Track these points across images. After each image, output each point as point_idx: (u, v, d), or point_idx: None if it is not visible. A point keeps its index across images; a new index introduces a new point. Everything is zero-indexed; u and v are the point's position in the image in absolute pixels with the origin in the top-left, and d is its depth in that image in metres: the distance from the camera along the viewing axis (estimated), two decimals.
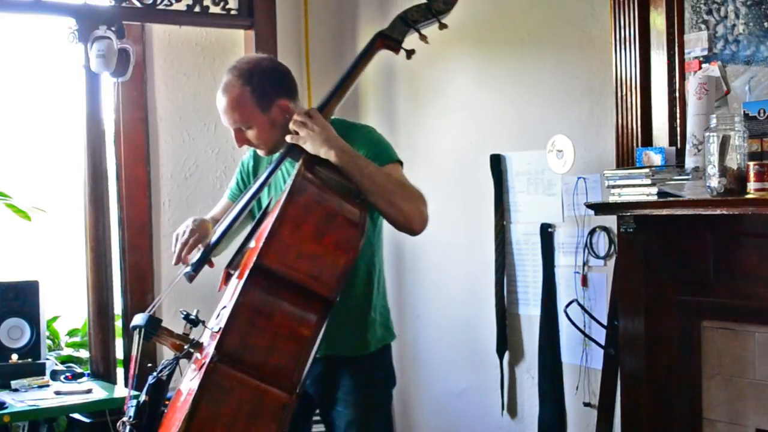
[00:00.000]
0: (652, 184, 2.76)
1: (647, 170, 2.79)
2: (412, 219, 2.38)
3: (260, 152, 2.61)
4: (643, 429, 3.07)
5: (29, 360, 3.63)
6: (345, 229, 2.28)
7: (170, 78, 4.18)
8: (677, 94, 2.97)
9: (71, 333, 4.25)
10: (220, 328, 2.16)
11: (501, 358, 3.74)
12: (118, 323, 4.04)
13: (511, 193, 3.70)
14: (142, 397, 2.32)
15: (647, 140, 3.03)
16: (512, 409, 3.75)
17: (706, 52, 2.89)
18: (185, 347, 2.32)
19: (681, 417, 3.01)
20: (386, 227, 2.56)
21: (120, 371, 3.98)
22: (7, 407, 3.22)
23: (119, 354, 3.99)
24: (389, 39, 2.49)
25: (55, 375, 3.68)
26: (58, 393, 3.45)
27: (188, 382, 2.26)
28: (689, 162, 2.80)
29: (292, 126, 2.42)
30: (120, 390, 3.64)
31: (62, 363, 3.96)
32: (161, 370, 2.35)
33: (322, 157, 2.36)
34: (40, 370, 3.61)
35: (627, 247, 3.10)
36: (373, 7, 4.35)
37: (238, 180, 2.80)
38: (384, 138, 2.59)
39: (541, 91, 3.56)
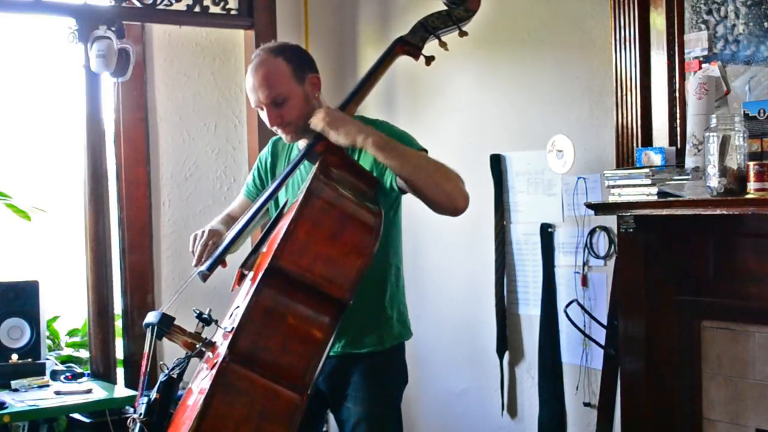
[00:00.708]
0: (652, 184, 2.76)
1: (647, 170, 2.79)
2: (456, 198, 2.34)
3: (287, 137, 2.54)
4: (643, 429, 3.07)
5: (29, 360, 3.63)
6: (360, 232, 2.27)
7: (170, 78, 4.18)
8: (677, 94, 2.97)
9: (71, 333, 4.25)
10: (233, 328, 2.16)
11: (501, 358, 3.74)
12: (118, 323, 4.04)
13: (511, 193, 3.70)
14: (153, 395, 2.32)
15: (647, 140, 3.03)
16: (512, 409, 3.75)
17: (706, 52, 2.89)
18: (197, 346, 2.32)
19: (681, 417, 3.01)
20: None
21: (120, 371, 3.99)
22: (7, 407, 3.22)
23: (119, 354, 3.99)
24: (409, 45, 2.49)
25: (55, 375, 3.68)
26: (58, 393, 3.46)
27: (200, 381, 2.26)
28: (689, 162, 2.80)
29: (322, 118, 2.39)
30: (120, 390, 3.64)
31: (62, 363, 3.96)
32: (173, 369, 2.36)
33: (335, 157, 2.34)
34: (40, 370, 3.61)
35: (627, 247, 3.10)
36: (373, 7, 4.35)
37: (255, 176, 2.79)
38: (401, 129, 2.57)
39: (541, 91, 3.56)
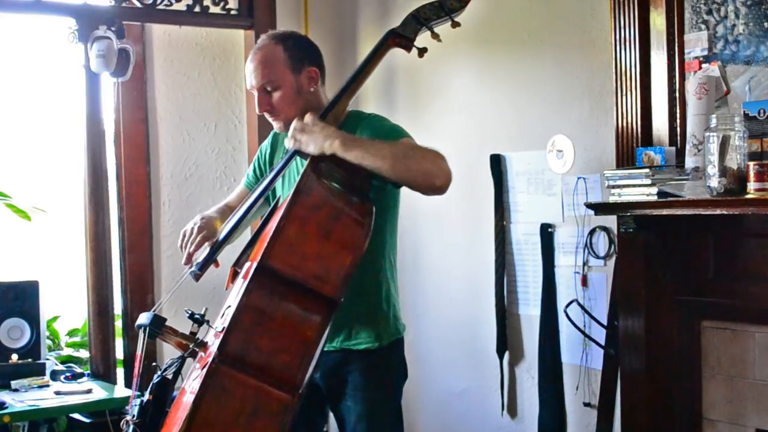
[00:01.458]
0: (652, 184, 2.76)
1: (647, 170, 2.79)
2: (433, 176, 2.32)
3: (277, 125, 2.56)
4: (643, 429, 3.07)
5: (29, 360, 3.63)
6: (350, 229, 2.27)
7: (170, 78, 4.18)
8: (677, 94, 2.97)
9: (71, 333, 4.25)
10: (223, 328, 2.16)
11: (501, 358, 3.74)
12: (118, 323, 4.04)
13: (511, 193, 3.70)
14: (146, 396, 2.32)
15: (647, 140, 3.03)
16: (512, 409, 3.75)
17: (706, 52, 2.89)
18: (190, 346, 2.32)
19: (681, 417, 3.01)
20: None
21: (120, 371, 3.99)
22: (7, 407, 3.22)
23: (119, 354, 3.99)
24: (401, 37, 2.47)
25: (55, 375, 3.68)
26: (58, 393, 3.46)
27: (191, 381, 2.26)
28: (689, 162, 2.80)
29: (291, 135, 2.41)
30: (120, 390, 3.64)
31: (62, 363, 3.96)
32: (165, 369, 2.36)
33: (328, 155, 2.35)
34: (40, 370, 3.61)
35: (627, 247, 3.10)
36: (373, 7, 4.35)
37: (255, 167, 2.79)
38: (391, 121, 2.57)
39: (541, 91, 3.56)
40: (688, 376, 2.99)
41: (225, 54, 4.28)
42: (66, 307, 4.21)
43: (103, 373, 3.80)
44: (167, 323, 2.36)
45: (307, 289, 2.20)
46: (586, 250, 3.39)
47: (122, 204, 4.08)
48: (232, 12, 4.15)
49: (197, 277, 2.50)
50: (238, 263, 2.47)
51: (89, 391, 3.50)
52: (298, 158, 2.50)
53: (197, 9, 4.06)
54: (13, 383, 3.50)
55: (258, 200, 2.54)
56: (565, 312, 3.40)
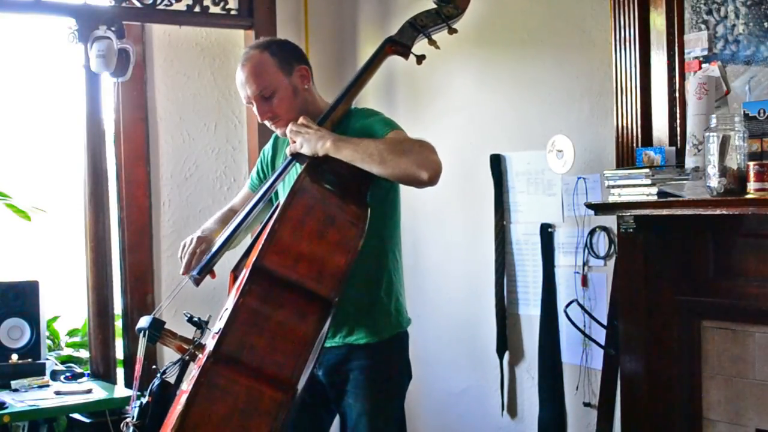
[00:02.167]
0: (652, 184, 2.76)
1: (647, 170, 2.79)
2: (421, 169, 2.31)
3: (280, 131, 2.58)
4: (643, 429, 3.07)
5: (29, 360, 3.63)
6: (345, 230, 2.28)
7: (170, 78, 4.18)
8: (677, 94, 2.97)
9: (71, 333, 4.25)
10: (220, 329, 2.17)
11: (501, 358, 3.74)
12: (118, 323, 4.04)
13: (511, 193, 3.70)
14: (145, 399, 2.32)
15: (647, 140, 3.03)
16: (512, 409, 3.75)
17: (706, 52, 2.89)
18: (188, 349, 2.33)
19: (681, 417, 3.01)
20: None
21: (120, 371, 3.99)
22: (7, 407, 3.22)
23: (119, 354, 3.99)
24: (398, 45, 2.49)
25: (55, 375, 3.68)
26: (58, 393, 3.46)
27: (188, 382, 2.27)
28: (689, 162, 2.80)
29: (288, 136, 2.44)
30: (120, 390, 3.64)
31: (62, 363, 3.96)
32: (164, 372, 2.36)
33: (321, 158, 2.37)
34: (40, 370, 3.62)
35: (627, 247, 3.10)
36: (373, 7, 4.35)
37: (258, 169, 2.82)
38: (381, 113, 2.58)
39: (541, 91, 3.56)
40: (688, 376, 2.99)
41: (225, 54, 4.28)
42: (66, 307, 4.21)
43: (103, 373, 3.80)
44: (166, 327, 2.37)
45: (302, 289, 2.21)
46: (586, 250, 3.39)
47: (122, 204, 4.08)
48: (232, 12, 4.15)
49: (197, 281, 2.52)
50: (238, 268, 2.48)
51: (89, 391, 3.50)
52: (297, 165, 2.51)
53: (197, 9, 4.06)
54: (13, 383, 3.50)
55: (257, 205, 2.56)
56: (565, 312, 3.40)
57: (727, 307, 2.87)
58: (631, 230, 2.95)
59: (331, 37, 4.48)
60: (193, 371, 2.35)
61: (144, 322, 2.36)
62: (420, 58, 2.49)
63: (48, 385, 3.55)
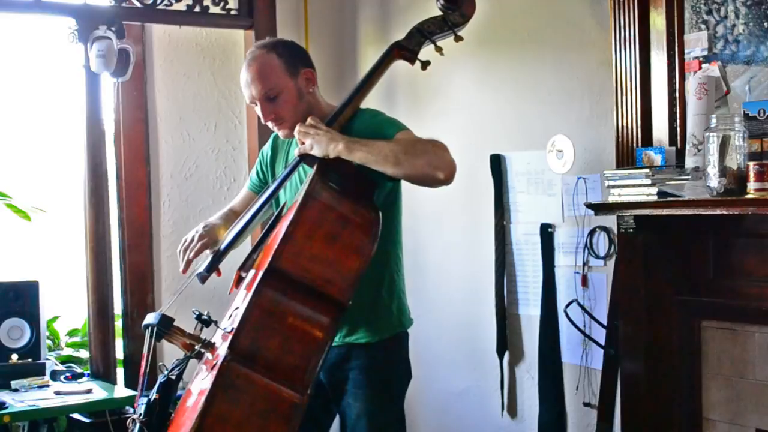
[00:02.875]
0: (652, 184, 2.76)
1: (647, 170, 2.79)
2: (437, 169, 2.33)
3: (282, 132, 2.58)
4: (643, 429, 3.07)
5: (29, 360, 3.63)
6: (358, 234, 2.29)
7: (170, 78, 4.19)
8: (677, 94, 2.97)
9: (71, 333, 4.25)
10: (233, 329, 2.17)
11: (501, 358, 3.74)
12: (118, 323, 4.04)
13: (511, 193, 3.70)
14: (153, 396, 2.32)
15: (647, 140, 3.03)
16: (512, 409, 3.75)
17: (706, 52, 2.89)
18: (196, 347, 2.33)
19: (681, 417, 3.01)
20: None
21: (120, 371, 3.99)
22: (7, 407, 3.22)
23: (119, 354, 3.99)
24: (405, 50, 2.51)
25: (55, 375, 3.68)
26: (58, 393, 3.46)
27: (200, 382, 2.27)
28: (689, 162, 2.80)
29: (297, 137, 2.44)
30: (120, 390, 3.64)
31: (62, 363, 3.96)
32: (172, 369, 2.36)
33: (332, 160, 2.37)
34: (40, 370, 3.62)
35: (627, 247, 3.10)
36: (373, 7, 4.35)
37: (257, 170, 2.81)
38: (385, 114, 2.59)
39: (541, 91, 3.56)
40: (688, 376, 2.99)
41: (225, 54, 4.28)
42: (66, 307, 4.21)
43: (103, 373, 3.80)
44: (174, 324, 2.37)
45: (316, 291, 2.22)
46: (586, 250, 3.39)
47: (122, 204, 4.08)
48: (232, 12, 4.15)
49: (204, 279, 2.52)
50: (244, 267, 2.48)
51: (89, 391, 3.50)
52: (303, 165, 2.51)
53: (197, 9, 4.06)
54: (13, 383, 3.50)
55: (264, 206, 2.56)
56: (565, 312, 3.40)
57: (727, 307, 2.87)
58: (631, 230, 2.95)
59: (331, 37, 4.48)
60: (200, 371, 2.35)
61: (152, 318, 2.35)
62: (425, 64, 2.51)
63: (48, 385, 3.55)
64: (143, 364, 2.41)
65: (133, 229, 4.10)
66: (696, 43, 2.91)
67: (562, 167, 3.47)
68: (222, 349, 2.18)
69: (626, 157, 3.06)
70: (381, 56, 2.52)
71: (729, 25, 2.84)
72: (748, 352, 2.83)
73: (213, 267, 2.51)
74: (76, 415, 3.51)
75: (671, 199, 2.72)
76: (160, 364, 2.41)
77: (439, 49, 2.52)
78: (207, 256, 2.56)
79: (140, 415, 2.31)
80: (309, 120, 2.44)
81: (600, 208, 3.02)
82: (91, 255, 3.80)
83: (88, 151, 3.80)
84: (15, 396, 3.39)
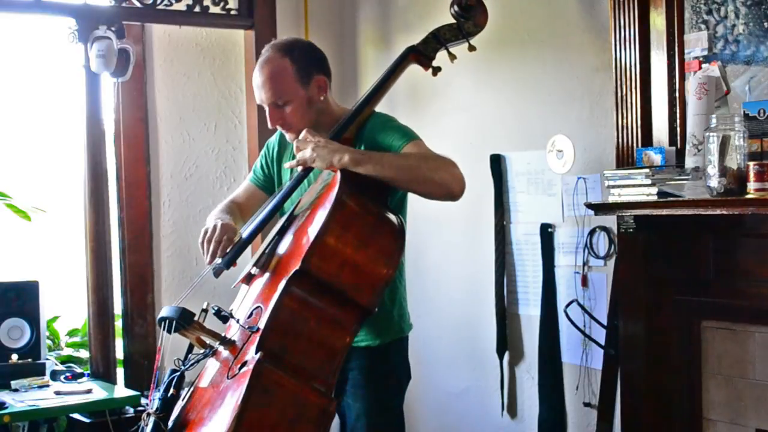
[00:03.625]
0: (652, 184, 2.76)
1: (647, 170, 2.79)
2: (447, 185, 2.34)
3: (290, 137, 2.56)
4: (643, 429, 3.07)
5: (29, 360, 3.63)
6: (388, 241, 2.29)
7: (170, 78, 4.18)
8: (677, 94, 2.97)
9: (71, 333, 4.25)
10: (258, 328, 2.17)
11: (501, 358, 3.74)
12: (118, 323, 4.04)
13: (511, 193, 3.70)
14: (171, 391, 2.31)
15: (647, 140, 3.03)
16: (512, 409, 3.75)
17: (706, 52, 2.89)
18: (216, 344, 2.32)
19: (681, 417, 3.01)
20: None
21: (120, 371, 3.98)
22: (7, 407, 3.22)
23: (119, 354, 3.99)
24: (421, 55, 2.52)
25: (55, 375, 3.67)
26: (58, 393, 3.45)
27: (224, 380, 2.23)
28: (689, 162, 2.80)
29: (294, 149, 2.43)
30: (120, 390, 3.64)
31: (62, 363, 3.95)
32: (191, 365, 2.35)
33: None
34: (40, 370, 3.61)
35: (627, 247, 3.10)
36: (373, 7, 4.35)
37: (262, 163, 2.79)
38: (397, 121, 2.57)
39: (541, 91, 3.56)
40: (688, 376, 2.99)
41: (225, 54, 4.28)
42: (66, 307, 4.20)
43: (103, 373, 3.80)
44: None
45: (343, 296, 2.22)
46: (586, 250, 3.39)
47: (122, 204, 4.08)
48: (232, 12, 4.15)
49: (218, 273, 2.49)
50: (257, 264, 2.46)
51: (89, 391, 3.50)
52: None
53: (197, 9, 4.06)
54: (13, 383, 3.49)
55: (277, 208, 2.55)
56: (565, 312, 3.40)
57: (727, 307, 2.87)
58: (631, 230, 2.95)
59: (331, 37, 4.48)
60: (211, 367, 2.34)
61: (170, 312, 2.33)
62: (436, 70, 2.53)
63: (48, 385, 3.55)
64: (158, 357, 2.40)
65: (133, 229, 4.10)
66: (696, 43, 2.92)
67: (562, 167, 3.47)
68: (250, 350, 2.16)
69: (626, 157, 3.06)
70: (396, 60, 2.52)
71: (729, 25, 2.84)
72: (748, 352, 2.83)
73: (231, 261, 2.49)
74: (76, 415, 3.51)
75: (671, 199, 2.72)
76: (176, 358, 2.39)
77: (452, 56, 2.54)
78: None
79: (156, 409, 2.30)
80: (303, 133, 2.42)
81: (600, 208, 3.02)
82: (91, 255, 3.80)
83: (88, 151, 3.80)
84: (15, 396, 3.38)
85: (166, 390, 2.32)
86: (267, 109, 2.52)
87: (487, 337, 3.78)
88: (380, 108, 2.61)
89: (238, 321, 2.32)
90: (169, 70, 4.18)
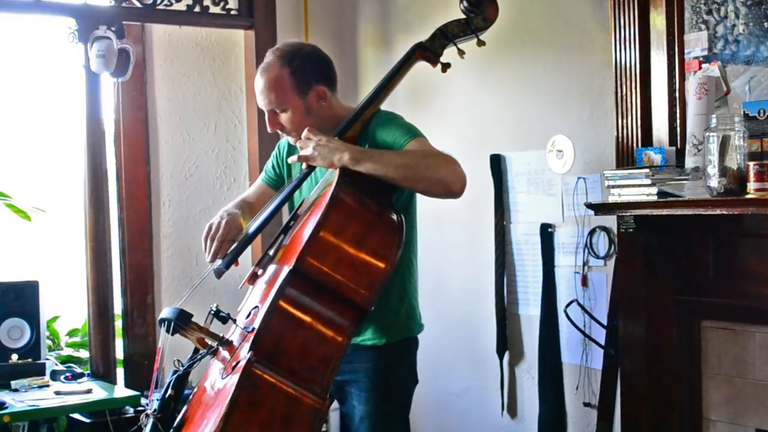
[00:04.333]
0: (652, 184, 2.76)
1: (647, 170, 2.79)
2: (448, 183, 2.32)
3: (291, 139, 2.57)
4: (643, 429, 3.07)
5: (29, 360, 3.63)
6: (384, 239, 2.28)
7: (170, 78, 4.18)
8: (677, 94, 2.97)
9: (71, 333, 4.25)
10: (253, 329, 2.16)
11: (501, 358, 3.74)
12: (118, 323, 4.04)
13: (511, 193, 3.70)
14: (169, 391, 2.31)
15: (647, 140, 3.03)
16: (512, 409, 3.75)
17: (706, 52, 2.89)
18: (215, 344, 2.32)
19: (681, 417, 3.01)
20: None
21: (120, 371, 3.98)
22: (7, 407, 3.21)
23: (119, 354, 3.99)
24: (429, 51, 2.51)
25: (55, 375, 3.67)
26: (58, 393, 3.45)
27: (217, 380, 2.24)
28: (689, 162, 2.80)
29: (299, 147, 2.43)
30: (120, 390, 3.64)
31: (62, 363, 3.95)
32: (191, 365, 2.35)
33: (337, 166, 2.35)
34: (40, 370, 3.61)
35: (627, 247, 3.10)
36: (373, 7, 4.35)
37: (273, 163, 2.79)
38: (401, 119, 2.56)
39: (541, 91, 3.56)
40: (688, 376, 2.99)
41: (225, 54, 4.28)
42: (66, 307, 4.20)
43: (103, 373, 3.80)
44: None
45: (339, 295, 2.22)
46: (586, 250, 3.39)
47: (122, 204, 4.08)
48: (232, 12, 4.15)
49: (220, 273, 2.49)
50: (260, 263, 2.46)
51: (89, 391, 3.50)
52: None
53: (197, 9, 4.06)
54: (13, 383, 3.49)
55: (280, 207, 2.55)
56: (565, 312, 3.40)
57: (727, 307, 2.87)
58: (631, 230, 2.95)
59: (331, 37, 4.47)
60: (213, 368, 2.34)
61: (168, 313, 2.33)
62: (445, 66, 2.52)
63: (48, 385, 3.55)
64: (157, 358, 2.40)
65: (133, 229, 4.10)
66: (696, 43, 2.92)
67: (562, 167, 3.47)
68: (243, 350, 2.16)
69: (626, 157, 3.06)
70: (403, 57, 2.52)
71: (729, 25, 2.84)
72: (748, 352, 2.83)
73: (231, 262, 2.48)
74: (76, 415, 3.51)
75: (671, 199, 2.73)
76: (175, 359, 2.39)
77: (461, 52, 2.52)
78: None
79: (155, 410, 2.30)
80: (305, 132, 2.42)
81: (600, 208, 3.02)
82: (91, 255, 3.80)
83: (88, 151, 3.80)
84: (15, 396, 3.38)
85: (166, 391, 2.32)
86: (266, 113, 2.54)
87: (487, 337, 3.78)
88: (382, 107, 2.61)
89: (234, 321, 2.32)
90: (169, 70, 4.18)
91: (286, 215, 2.65)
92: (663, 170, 2.80)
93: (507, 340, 3.73)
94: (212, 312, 2.33)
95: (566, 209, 3.47)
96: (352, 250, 2.24)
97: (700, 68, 2.89)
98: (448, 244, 4.00)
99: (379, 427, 2.53)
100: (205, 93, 4.25)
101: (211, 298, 2.57)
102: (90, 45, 3.72)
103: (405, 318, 2.59)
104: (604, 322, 3.29)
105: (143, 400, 3.52)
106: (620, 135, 3.10)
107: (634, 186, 2.82)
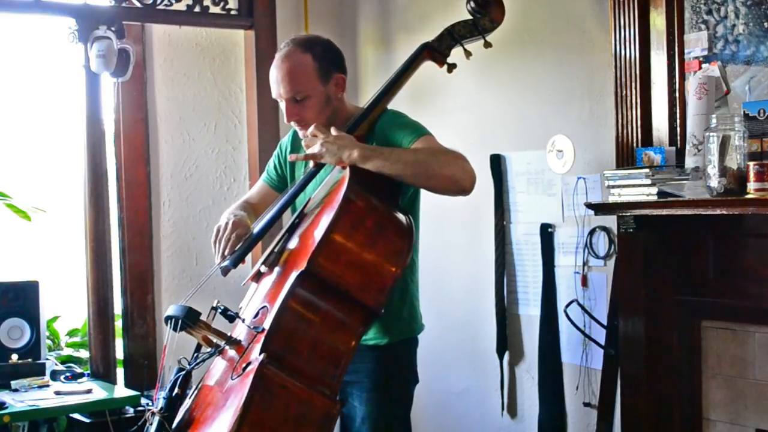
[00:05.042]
0: (652, 184, 2.76)
1: (647, 170, 2.79)
2: (458, 180, 2.33)
3: (303, 132, 2.51)
4: (643, 429, 3.07)
5: (29, 360, 3.63)
6: (395, 240, 2.27)
7: (170, 78, 4.18)
8: (677, 94, 2.97)
9: (71, 333, 4.25)
10: (263, 329, 2.16)
11: (501, 358, 3.74)
12: (118, 323, 4.04)
13: (511, 193, 3.70)
14: (176, 390, 2.31)
15: (647, 140, 3.03)
16: (512, 409, 3.75)
17: (706, 52, 2.89)
18: (221, 343, 2.31)
19: (681, 417, 3.01)
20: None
21: (120, 371, 3.98)
22: (7, 407, 3.21)
23: (119, 354, 3.99)
24: (436, 51, 2.52)
25: (55, 375, 3.67)
26: (58, 393, 3.45)
27: (229, 380, 2.23)
28: (689, 162, 2.80)
29: (305, 144, 2.42)
30: (120, 390, 3.64)
31: (62, 363, 3.95)
32: (197, 364, 2.35)
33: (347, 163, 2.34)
34: (40, 370, 3.61)
35: (627, 247, 3.10)
36: (373, 6, 4.35)
37: (275, 162, 2.78)
38: (407, 117, 2.55)
39: (541, 91, 3.56)
40: (688, 376, 2.99)
41: (225, 54, 4.28)
42: (66, 307, 4.20)
43: (103, 373, 3.80)
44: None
45: (350, 297, 2.21)
46: (586, 250, 3.39)
47: (122, 204, 4.08)
48: (232, 12, 4.15)
49: (226, 271, 2.48)
50: (265, 262, 2.46)
51: (89, 391, 3.50)
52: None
53: (197, 9, 4.06)
54: (13, 383, 3.49)
55: (288, 205, 2.54)
56: (565, 312, 3.40)
57: (727, 307, 2.87)
58: (631, 230, 2.95)
59: (331, 37, 4.41)
60: (217, 367, 2.33)
61: (176, 310, 2.32)
62: (451, 67, 2.52)
63: (48, 385, 3.55)
64: (164, 356, 2.40)
65: (133, 229, 4.10)
66: (696, 43, 2.92)
67: (562, 167, 3.47)
68: (255, 351, 2.15)
69: (626, 157, 3.06)
70: (410, 57, 2.52)
71: (729, 25, 2.84)
72: (748, 352, 2.83)
73: (239, 260, 2.48)
74: (76, 415, 3.51)
75: (671, 199, 2.73)
76: (181, 357, 2.38)
77: (467, 53, 2.53)
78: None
79: (161, 408, 2.29)
80: (311, 129, 2.40)
81: (600, 208, 3.02)
82: (91, 255, 3.80)
83: (88, 151, 3.80)
84: (15, 396, 3.38)
85: (172, 389, 2.31)
86: (284, 104, 2.49)
87: (487, 337, 3.78)
88: (387, 107, 2.60)
89: (243, 321, 2.31)
90: (169, 70, 4.18)
91: (286, 215, 2.64)
92: (663, 170, 2.80)
93: (507, 340, 3.73)
94: (219, 310, 2.32)
95: (566, 209, 3.47)
96: (364, 252, 2.23)
97: (700, 68, 2.89)
98: (448, 244, 4.00)
99: (381, 428, 2.52)
100: (205, 93, 4.25)
101: (212, 295, 2.57)
102: (90, 45, 3.72)
103: (407, 318, 2.58)
104: (604, 322, 3.29)
105: (143, 400, 3.51)
106: (620, 135, 3.10)
107: (634, 186, 2.82)
